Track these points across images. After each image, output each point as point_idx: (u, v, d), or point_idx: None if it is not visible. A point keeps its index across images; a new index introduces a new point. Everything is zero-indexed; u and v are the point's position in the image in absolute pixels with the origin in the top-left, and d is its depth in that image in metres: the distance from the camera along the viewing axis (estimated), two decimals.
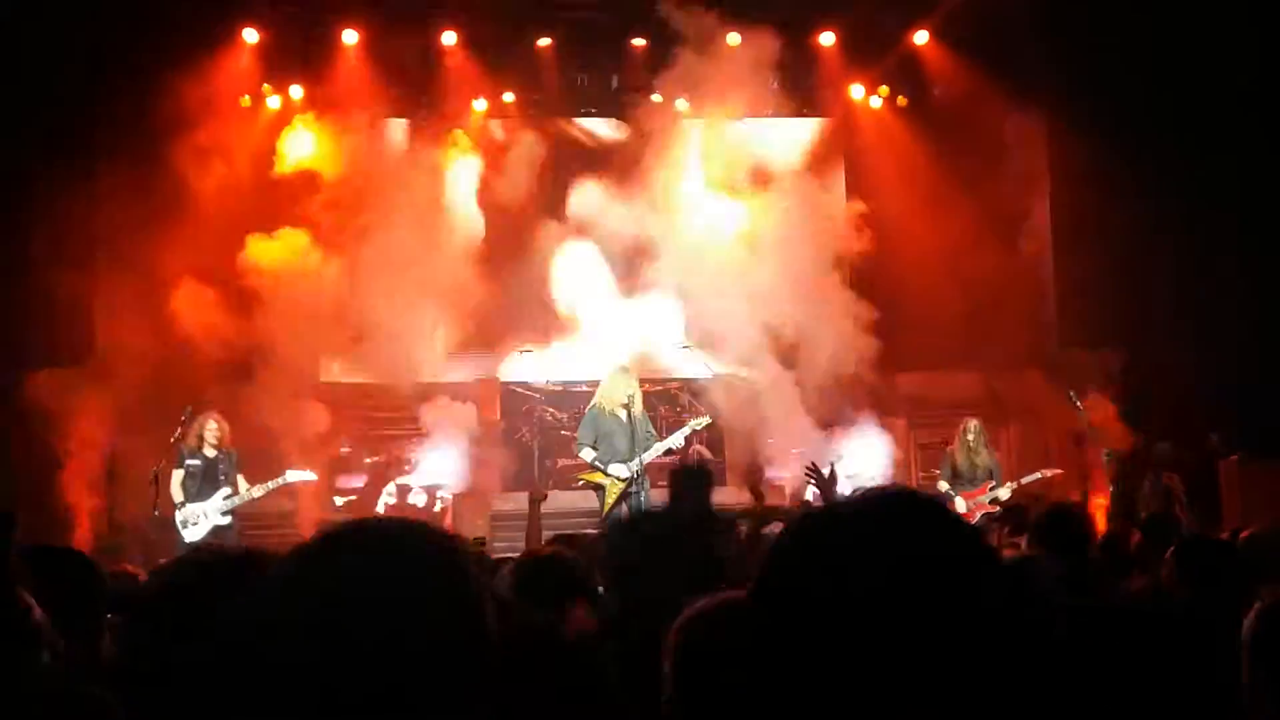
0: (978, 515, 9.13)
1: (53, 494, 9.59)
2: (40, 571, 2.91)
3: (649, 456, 8.78)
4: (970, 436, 9.68)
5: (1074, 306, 11.09)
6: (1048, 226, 11.15)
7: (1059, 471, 9.83)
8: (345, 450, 11.32)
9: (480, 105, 11.93)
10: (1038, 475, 9.64)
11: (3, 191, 9.18)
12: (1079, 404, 9.84)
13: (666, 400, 11.98)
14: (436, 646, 1.09)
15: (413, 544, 1.14)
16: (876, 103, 12.36)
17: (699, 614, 1.90)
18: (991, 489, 9.48)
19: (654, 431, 9.26)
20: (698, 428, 9.14)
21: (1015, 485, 9.53)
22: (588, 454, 8.87)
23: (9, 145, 9.22)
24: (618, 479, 8.80)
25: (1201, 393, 9.98)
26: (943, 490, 9.63)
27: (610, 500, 8.80)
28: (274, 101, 11.34)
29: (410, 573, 1.11)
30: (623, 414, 8.84)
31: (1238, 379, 10.06)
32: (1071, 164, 10.85)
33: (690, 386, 11.25)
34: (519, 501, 10.42)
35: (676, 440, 8.97)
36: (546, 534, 5.44)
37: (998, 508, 9.31)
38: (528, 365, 11.69)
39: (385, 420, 11.55)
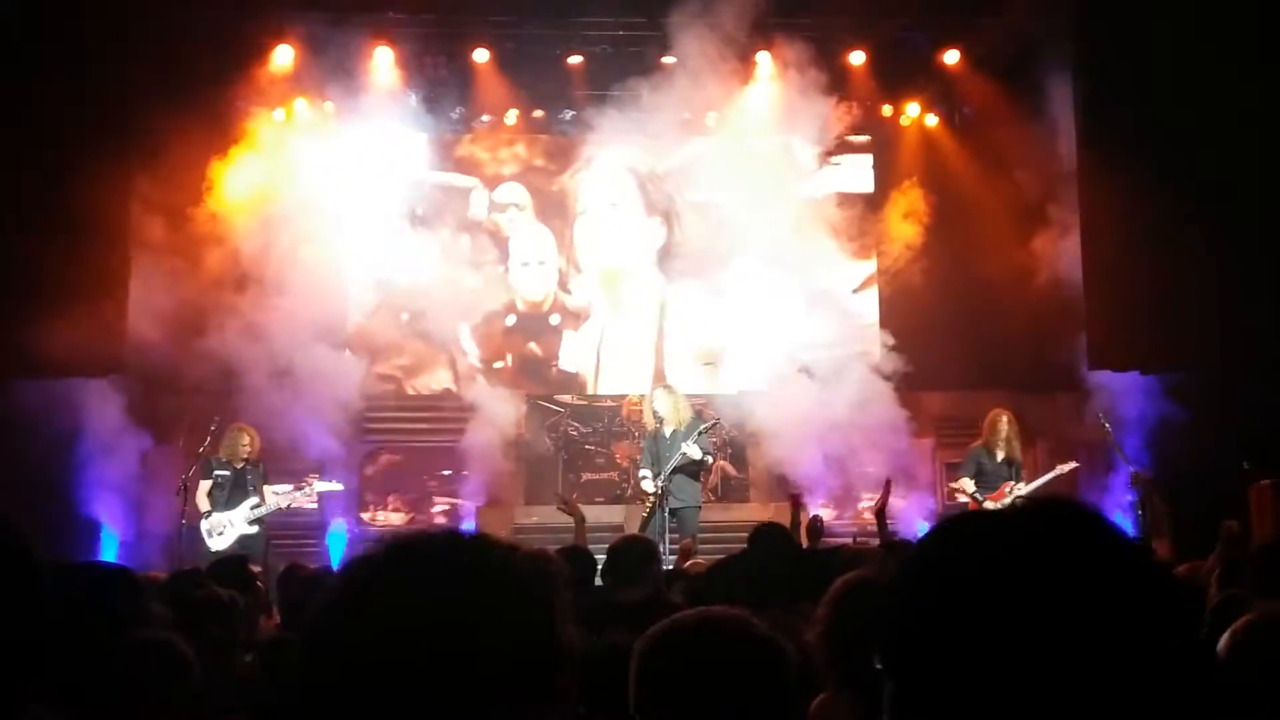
0: None
1: (80, 502, 9.72)
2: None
3: (668, 469, 8.89)
4: (1006, 429, 9.39)
5: (1104, 328, 10.98)
6: (1079, 247, 11.06)
7: (1076, 465, 9.64)
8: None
9: (511, 121, 12.07)
10: (1056, 472, 9.48)
11: (38, 200, 9.32)
12: (1108, 425, 9.74)
13: None
14: (511, 664, 1.03)
15: (479, 557, 1.09)
16: (906, 122, 12.35)
17: (664, 632, 1.87)
18: (1011, 490, 9.23)
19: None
20: (703, 431, 9.13)
21: (1036, 486, 9.35)
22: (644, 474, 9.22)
23: (48, 155, 9.38)
24: (648, 494, 9.06)
25: (1233, 417, 9.83)
26: (969, 491, 9.36)
27: (644, 514, 9.14)
28: (306, 116, 11.48)
29: (480, 586, 1.06)
30: (666, 432, 9.08)
31: (1271, 403, 9.90)
32: (1103, 184, 10.76)
33: (714, 402, 11.22)
34: (542, 515, 10.46)
35: (694, 450, 8.99)
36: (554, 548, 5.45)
37: None
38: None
39: (416, 430, 11.65)
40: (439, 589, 1.05)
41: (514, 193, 12.21)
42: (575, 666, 1.08)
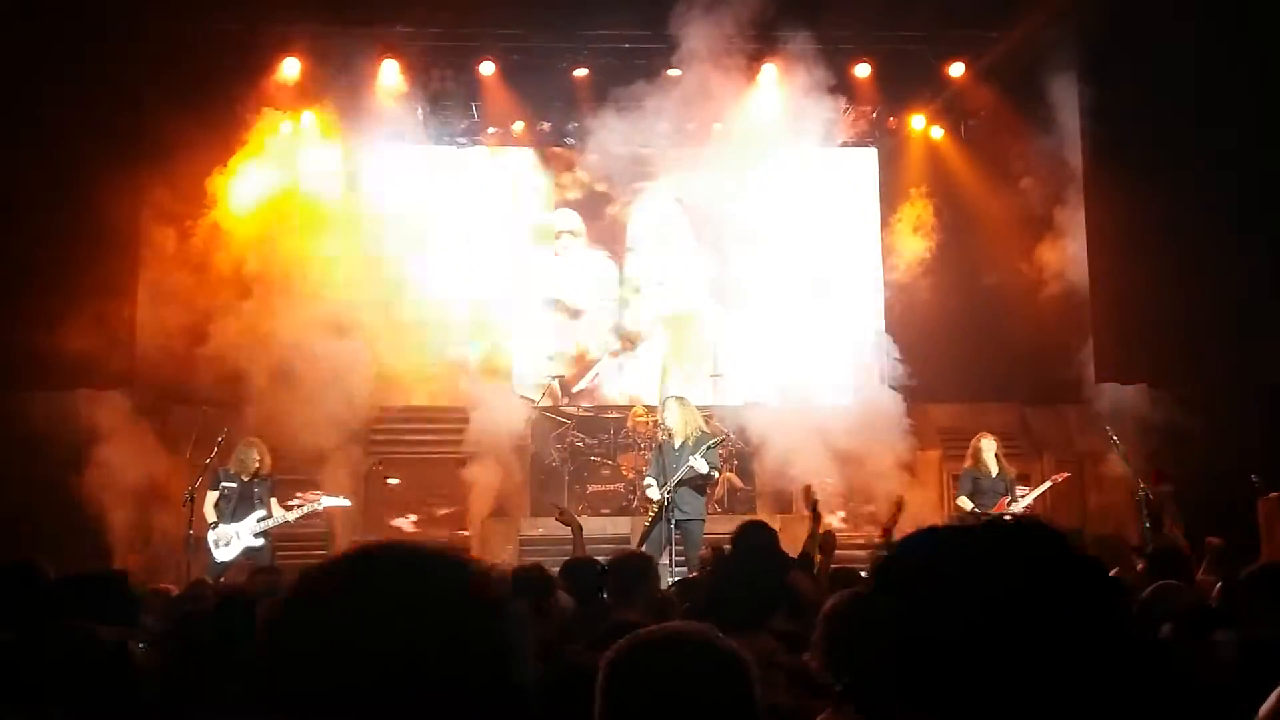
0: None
1: (88, 513, 9.73)
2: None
3: (674, 480, 8.80)
4: (993, 449, 9.59)
5: (1111, 340, 10.98)
6: (1085, 261, 11.06)
7: (1066, 475, 9.78)
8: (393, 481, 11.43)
9: (517, 133, 12.12)
10: (1047, 484, 9.63)
11: (49, 212, 9.36)
12: (1115, 439, 9.73)
13: None
14: (451, 682, 1.01)
15: (440, 571, 1.07)
16: (912, 134, 12.36)
17: (636, 644, 1.84)
18: (1009, 504, 9.38)
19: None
20: (711, 446, 9.11)
21: (1031, 499, 9.48)
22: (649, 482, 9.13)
23: (58, 167, 9.42)
24: (652, 501, 8.98)
25: (1241, 430, 9.81)
26: (967, 509, 9.48)
27: (646, 523, 9.03)
28: (314, 129, 11.52)
29: (432, 601, 1.04)
30: (675, 443, 8.98)
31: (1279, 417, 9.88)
32: (1109, 198, 10.77)
33: (719, 413, 11.21)
34: (547, 526, 10.45)
35: (700, 465, 8.93)
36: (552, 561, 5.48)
37: None
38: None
39: (422, 442, 11.66)
40: (376, 599, 1.03)
41: (569, 219, 12.32)
42: (524, 677, 1.06)
